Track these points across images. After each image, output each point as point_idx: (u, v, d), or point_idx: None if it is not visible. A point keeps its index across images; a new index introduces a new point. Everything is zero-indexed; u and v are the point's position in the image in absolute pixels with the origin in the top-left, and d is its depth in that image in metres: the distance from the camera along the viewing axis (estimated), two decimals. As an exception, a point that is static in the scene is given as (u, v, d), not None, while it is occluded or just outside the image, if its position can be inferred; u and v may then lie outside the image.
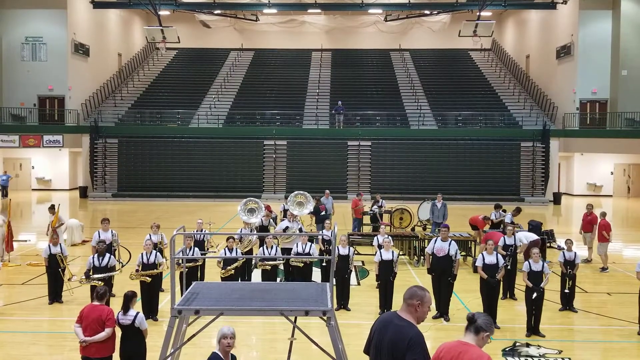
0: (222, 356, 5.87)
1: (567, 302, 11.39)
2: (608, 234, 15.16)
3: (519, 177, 31.88)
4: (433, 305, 10.77)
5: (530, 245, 12.97)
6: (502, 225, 16.69)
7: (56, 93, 34.38)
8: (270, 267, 11.62)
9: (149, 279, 10.34)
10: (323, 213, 18.15)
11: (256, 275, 12.98)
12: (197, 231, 13.18)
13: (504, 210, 17.69)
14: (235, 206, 15.62)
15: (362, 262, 15.35)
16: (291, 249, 12.63)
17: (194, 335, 6.08)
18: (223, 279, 10.87)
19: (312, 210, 17.53)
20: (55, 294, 11.55)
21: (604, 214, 15.80)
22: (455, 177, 31.23)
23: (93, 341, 7.15)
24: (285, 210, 16.58)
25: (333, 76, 40.33)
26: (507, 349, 9.20)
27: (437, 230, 17.49)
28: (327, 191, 20.14)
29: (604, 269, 15.01)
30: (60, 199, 30.56)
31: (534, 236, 14.23)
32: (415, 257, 15.41)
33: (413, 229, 18.54)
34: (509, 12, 43.21)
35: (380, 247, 11.81)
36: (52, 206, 16.01)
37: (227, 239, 11.55)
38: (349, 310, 11.23)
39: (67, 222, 17.41)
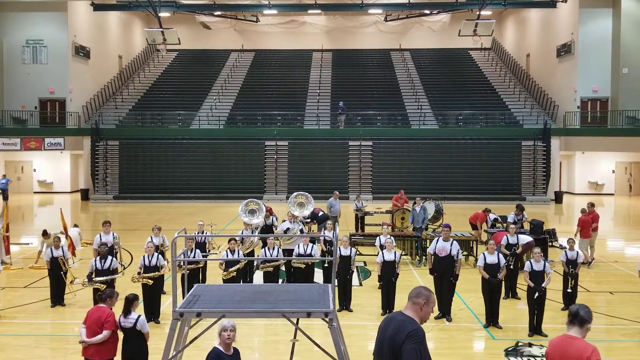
0: (222, 350, 5.86)
1: (569, 301, 11.33)
2: (584, 230, 15.24)
3: (520, 176, 31.86)
4: (435, 306, 10.74)
5: (527, 247, 12.89)
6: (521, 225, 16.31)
7: (57, 96, 34.43)
8: (272, 269, 11.62)
9: (151, 282, 10.35)
10: (321, 214, 18.05)
11: (258, 276, 12.99)
12: (198, 233, 13.17)
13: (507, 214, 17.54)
14: (237, 207, 15.63)
15: (364, 262, 15.35)
16: (293, 250, 12.63)
17: (196, 338, 6.08)
18: (225, 280, 10.88)
19: (310, 214, 17.36)
20: (57, 297, 11.57)
21: (583, 210, 15.91)
22: (456, 176, 31.21)
23: (90, 342, 7.16)
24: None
25: (334, 76, 40.34)
26: (509, 349, 9.18)
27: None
28: (336, 192, 19.83)
29: (586, 263, 15.05)
30: (61, 201, 30.60)
31: (527, 238, 13.98)
32: (417, 257, 15.40)
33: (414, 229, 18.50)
34: (509, 11, 43.17)
35: (382, 247, 11.80)
36: (45, 231, 14.39)
37: (229, 241, 11.55)
38: (351, 311, 11.21)
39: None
